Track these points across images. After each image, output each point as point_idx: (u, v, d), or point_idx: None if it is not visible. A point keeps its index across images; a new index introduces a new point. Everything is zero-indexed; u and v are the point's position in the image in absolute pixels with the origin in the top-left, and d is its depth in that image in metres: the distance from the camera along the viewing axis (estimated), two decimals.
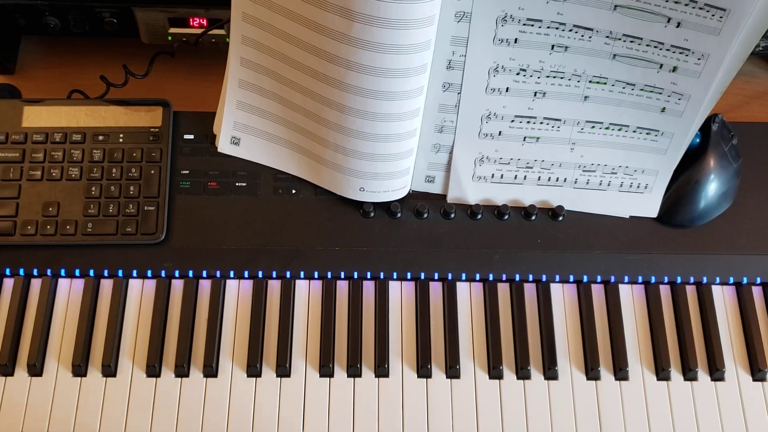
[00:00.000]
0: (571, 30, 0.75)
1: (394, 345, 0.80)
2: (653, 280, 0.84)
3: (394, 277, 0.83)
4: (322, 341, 0.80)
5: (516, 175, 0.85)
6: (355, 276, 0.83)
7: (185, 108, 0.89)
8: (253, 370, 0.79)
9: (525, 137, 0.83)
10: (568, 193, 0.86)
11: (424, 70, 0.76)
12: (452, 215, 0.85)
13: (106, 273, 0.82)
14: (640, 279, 0.84)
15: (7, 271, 0.82)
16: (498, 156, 0.84)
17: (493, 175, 0.85)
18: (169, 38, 0.93)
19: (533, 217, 0.85)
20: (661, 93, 0.78)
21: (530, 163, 0.84)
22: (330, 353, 0.79)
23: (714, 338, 0.82)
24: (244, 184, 0.86)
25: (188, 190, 0.85)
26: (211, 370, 0.78)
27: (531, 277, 0.83)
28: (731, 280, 0.84)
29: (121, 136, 0.86)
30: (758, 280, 0.84)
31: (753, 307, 0.83)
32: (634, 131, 0.82)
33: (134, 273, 0.82)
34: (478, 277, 0.83)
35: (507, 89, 0.80)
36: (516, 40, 0.76)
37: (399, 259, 0.83)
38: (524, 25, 0.75)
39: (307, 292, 0.83)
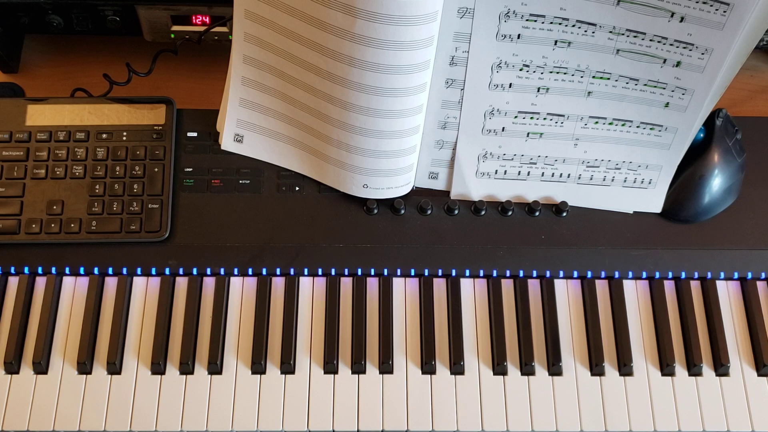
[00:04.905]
0: (574, 25, 0.75)
1: (399, 342, 0.80)
2: (657, 275, 0.84)
3: (398, 273, 0.83)
4: (326, 338, 0.80)
5: (519, 171, 0.85)
6: (359, 273, 0.83)
7: (188, 106, 0.89)
8: (258, 367, 0.79)
9: (528, 133, 0.83)
10: (571, 188, 0.86)
11: (427, 66, 0.76)
12: (456, 211, 0.85)
13: (110, 271, 0.82)
14: (644, 274, 0.84)
15: (12, 270, 0.82)
16: (501, 152, 0.84)
17: (496, 171, 0.85)
18: (172, 36, 0.93)
19: (537, 213, 0.85)
20: (664, 88, 0.78)
21: (534, 158, 0.84)
22: (334, 350, 0.79)
23: (719, 333, 0.81)
24: (248, 182, 0.86)
25: (192, 188, 0.85)
26: (215, 367, 0.78)
27: (535, 273, 0.83)
28: (736, 275, 0.84)
29: (125, 134, 0.86)
30: (763, 275, 0.84)
31: (758, 302, 0.83)
32: (637, 126, 0.82)
33: (138, 271, 0.82)
34: (482, 273, 0.83)
35: (510, 85, 0.79)
36: (519, 35, 0.76)
37: (403, 255, 0.83)
38: (527, 20, 0.75)
39: (311, 289, 0.83)
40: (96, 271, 0.82)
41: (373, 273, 0.83)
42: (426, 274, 0.83)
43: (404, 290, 0.83)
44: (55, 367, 0.79)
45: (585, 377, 0.80)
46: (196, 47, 0.93)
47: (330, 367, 0.79)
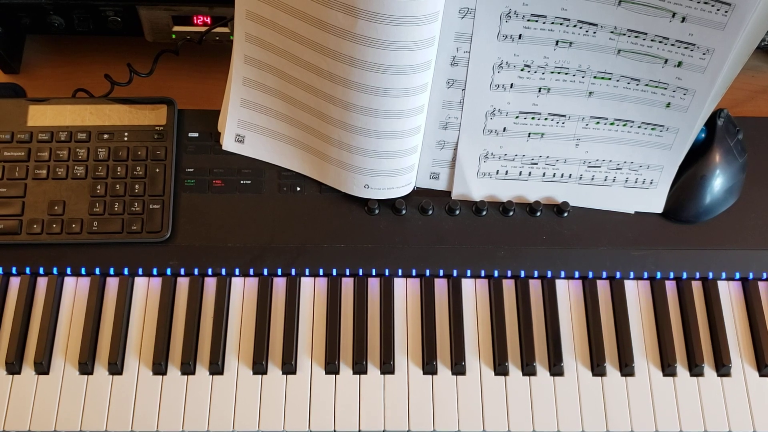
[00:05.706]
0: (575, 25, 0.75)
1: (400, 342, 0.80)
2: (659, 275, 0.84)
3: (399, 274, 0.83)
4: (327, 338, 0.80)
5: (521, 171, 0.85)
6: (360, 273, 0.83)
7: (190, 106, 0.89)
8: (259, 367, 0.79)
9: (530, 133, 0.83)
10: (573, 189, 0.86)
11: (428, 67, 0.76)
12: (457, 212, 0.85)
13: (111, 271, 0.82)
14: (645, 275, 0.84)
15: (14, 270, 0.82)
16: (503, 152, 0.84)
17: (497, 171, 0.85)
18: (173, 36, 0.93)
19: (538, 213, 0.85)
20: (666, 88, 0.78)
21: (535, 159, 0.84)
22: (335, 350, 0.79)
23: (720, 334, 0.81)
24: (249, 182, 0.86)
25: (193, 188, 0.85)
26: (216, 367, 0.79)
27: (536, 274, 0.83)
28: (737, 276, 0.84)
29: (126, 134, 0.87)
30: (764, 275, 0.84)
31: (759, 302, 0.83)
32: (639, 127, 0.81)
33: (140, 271, 0.82)
34: (483, 273, 0.83)
35: (511, 85, 0.79)
36: (520, 36, 0.76)
37: (404, 256, 0.83)
38: (528, 20, 0.75)
39: (312, 289, 0.83)
40: (97, 271, 0.82)
41: (374, 273, 0.83)
42: (427, 274, 0.83)
43: (405, 290, 0.83)
44: (56, 368, 0.79)
45: (586, 377, 0.80)
46: (197, 48, 0.93)
47: (331, 367, 0.79)
